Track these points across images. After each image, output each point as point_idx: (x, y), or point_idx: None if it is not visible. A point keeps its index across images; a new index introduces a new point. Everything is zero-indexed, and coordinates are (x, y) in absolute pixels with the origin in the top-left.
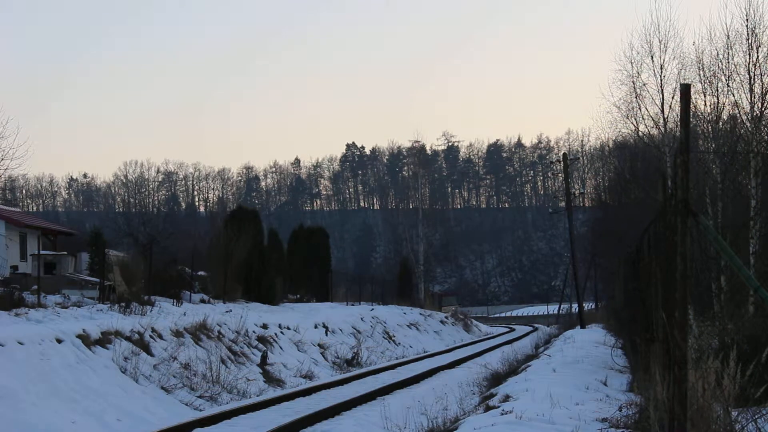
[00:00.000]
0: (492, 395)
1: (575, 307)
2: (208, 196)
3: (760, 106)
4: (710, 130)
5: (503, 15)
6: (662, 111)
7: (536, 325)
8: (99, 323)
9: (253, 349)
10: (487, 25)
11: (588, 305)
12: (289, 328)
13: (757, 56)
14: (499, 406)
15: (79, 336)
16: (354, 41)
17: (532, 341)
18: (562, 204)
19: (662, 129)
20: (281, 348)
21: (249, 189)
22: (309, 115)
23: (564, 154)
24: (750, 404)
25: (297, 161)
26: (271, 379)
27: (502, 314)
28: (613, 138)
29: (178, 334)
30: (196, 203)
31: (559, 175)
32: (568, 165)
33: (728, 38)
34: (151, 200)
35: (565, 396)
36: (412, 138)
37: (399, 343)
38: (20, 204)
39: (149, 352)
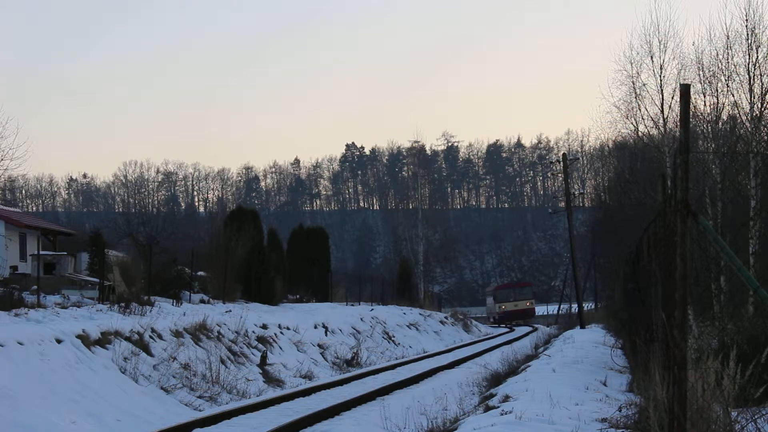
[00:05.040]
0: (492, 395)
1: (575, 307)
2: (207, 197)
3: (759, 106)
4: (710, 130)
5: (503, 15)
6: (662, 111)
7: (536, 326)
8: (99, 323)
9: (252, 349)
10: (486, 26)
11: (588, 305)
12: (288, 329)
13: (757, 56)
14: (498, 407)
15: (78, 336)
16: (354, 41)
17: (531, 341)
18: (562, 204)
19: (662, 129)
20: (281, 348)
21: (249, 189)
22: (309, 115)
23: (564, 154)
24: (749, 404)
25: (297, 161)
26: (270, 380)
27: None
28: (613, 138)
29: (177, 334)
30: (196, 203)
31: (559, 175)
32: (568, 165)
33: (728, 38)
34: (150, 200)
35: (565, 396)
36: (412, 138)
37: (399, 344)
38: (20, 204)
39: (149, 353)
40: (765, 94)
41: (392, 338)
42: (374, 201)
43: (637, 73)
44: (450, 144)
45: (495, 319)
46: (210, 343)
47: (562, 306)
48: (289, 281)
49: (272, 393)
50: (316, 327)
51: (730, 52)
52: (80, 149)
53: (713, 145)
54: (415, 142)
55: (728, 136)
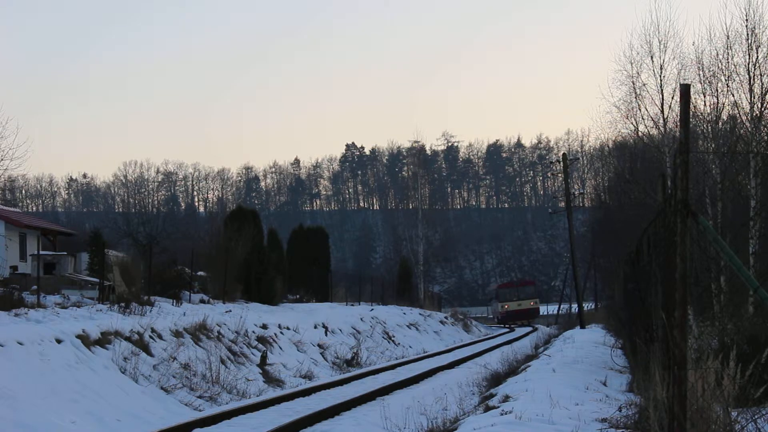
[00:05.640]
0: (492, 395)
1: (575, 307)
2: (207, 197)
3: (759, 106)
4: (710, 130)
5: (503, 15)
6: (662, 111)
7: (536, 326)
8: (98, 323)
9: (252, 349)
10: (487, 26)
11: (588, 305)
12: (288, 329)
13: (757, 56)
14: (498, 407)
15: (78, 336)
16: (354, 41)
17: (531, 341)
18: (562, 204)
19: (662, 129)
20: (281, 348)
21: (249, 189)
22: (309, 115)
23: (564, 154)
24: (750, 404)
25: (297, 161)
26: (270, 380)
27: None
28: (613, 138)
29: (177, 334)
30: (196, 203)
31: (559, 175)
32: (568, 165)
33: (728, 38)
34: (150, 200)
35: (565, 396)
36: (412, 138)
37: (399, 344)
38: (20, 204)
39: (149, 353)
40: (765, 94)
41: (392, 338)
42: (374, 201)
43: (637, 73)
44: (450, 144)
45: (498, 319)
46: (210, 343)
47: (562, 306)
48: (289, 281)
49: (272, 393)
50: (316, 327)
51: (730, 52)
52: (80, 149)
53: (713, 145)
54: (415, 142)
55: (728, 136)
